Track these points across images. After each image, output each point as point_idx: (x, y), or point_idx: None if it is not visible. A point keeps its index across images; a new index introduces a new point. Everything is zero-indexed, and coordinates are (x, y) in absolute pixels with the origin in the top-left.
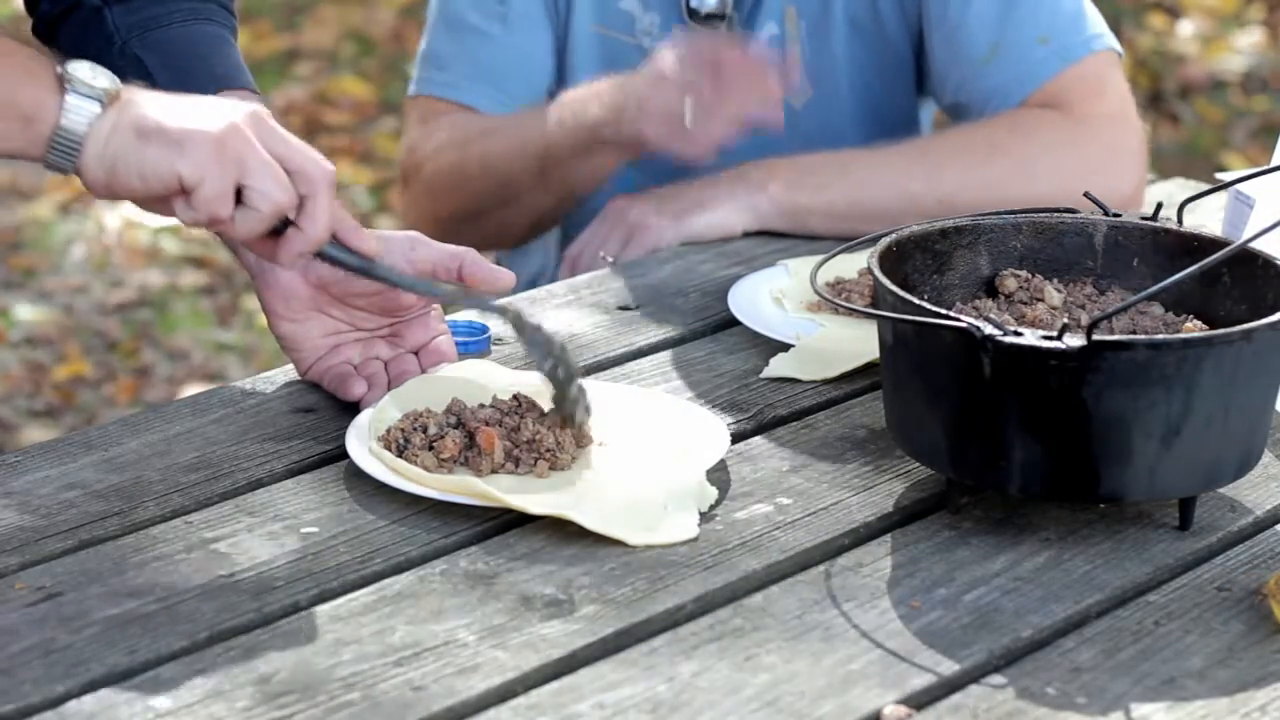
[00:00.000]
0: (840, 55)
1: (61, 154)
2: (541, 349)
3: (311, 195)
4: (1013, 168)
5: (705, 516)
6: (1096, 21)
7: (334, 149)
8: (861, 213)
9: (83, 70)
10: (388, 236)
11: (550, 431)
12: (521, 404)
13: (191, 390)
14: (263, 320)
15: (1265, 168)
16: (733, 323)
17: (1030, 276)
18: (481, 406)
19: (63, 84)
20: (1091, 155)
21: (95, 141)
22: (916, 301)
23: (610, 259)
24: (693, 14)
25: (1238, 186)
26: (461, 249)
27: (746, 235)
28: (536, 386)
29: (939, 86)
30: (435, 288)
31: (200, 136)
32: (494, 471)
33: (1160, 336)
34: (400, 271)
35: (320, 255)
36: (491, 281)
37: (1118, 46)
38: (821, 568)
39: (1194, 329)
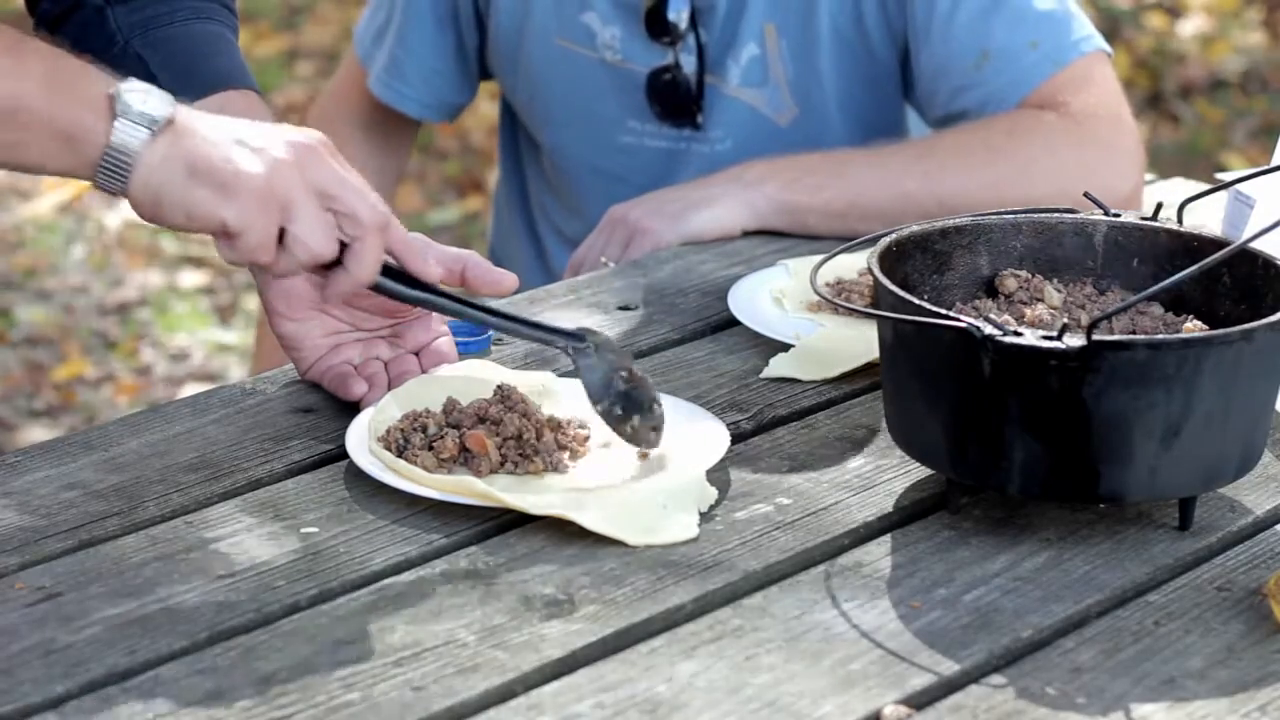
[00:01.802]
0: (826, 70)
1: (109, 178)
2: (599, 387)
3: (360, 238)
4: (1011, 169)
5: (705, 516)
6: (1084, 23)
7: None
8: (859, 212)
9: (135, 95)
10: None
11: (534, 426)
12: (507, 398)
13: (191, 390)
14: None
15: (1265, 168)
16: (733, 323)
17: (1030, 276)
18: (464, 408)
19: (113, 108)
20: (1089, 155)
21: (143, 169)
22: (916, 301)
23: (611, 263)
24: (653, 27)
25: (1238, 186)
26: (465, 252)
27: (746, 235)
28: (532, 385)
29: (928, 99)
30: (504, 324)
31: (249, 181)
32: (493, 471)
33: (1160, 336)
34: (468, 302)
35: (375, 288)
36: (494, 284)
37: (1107, 47)
38: (821, 568)
39: (1194, 329)
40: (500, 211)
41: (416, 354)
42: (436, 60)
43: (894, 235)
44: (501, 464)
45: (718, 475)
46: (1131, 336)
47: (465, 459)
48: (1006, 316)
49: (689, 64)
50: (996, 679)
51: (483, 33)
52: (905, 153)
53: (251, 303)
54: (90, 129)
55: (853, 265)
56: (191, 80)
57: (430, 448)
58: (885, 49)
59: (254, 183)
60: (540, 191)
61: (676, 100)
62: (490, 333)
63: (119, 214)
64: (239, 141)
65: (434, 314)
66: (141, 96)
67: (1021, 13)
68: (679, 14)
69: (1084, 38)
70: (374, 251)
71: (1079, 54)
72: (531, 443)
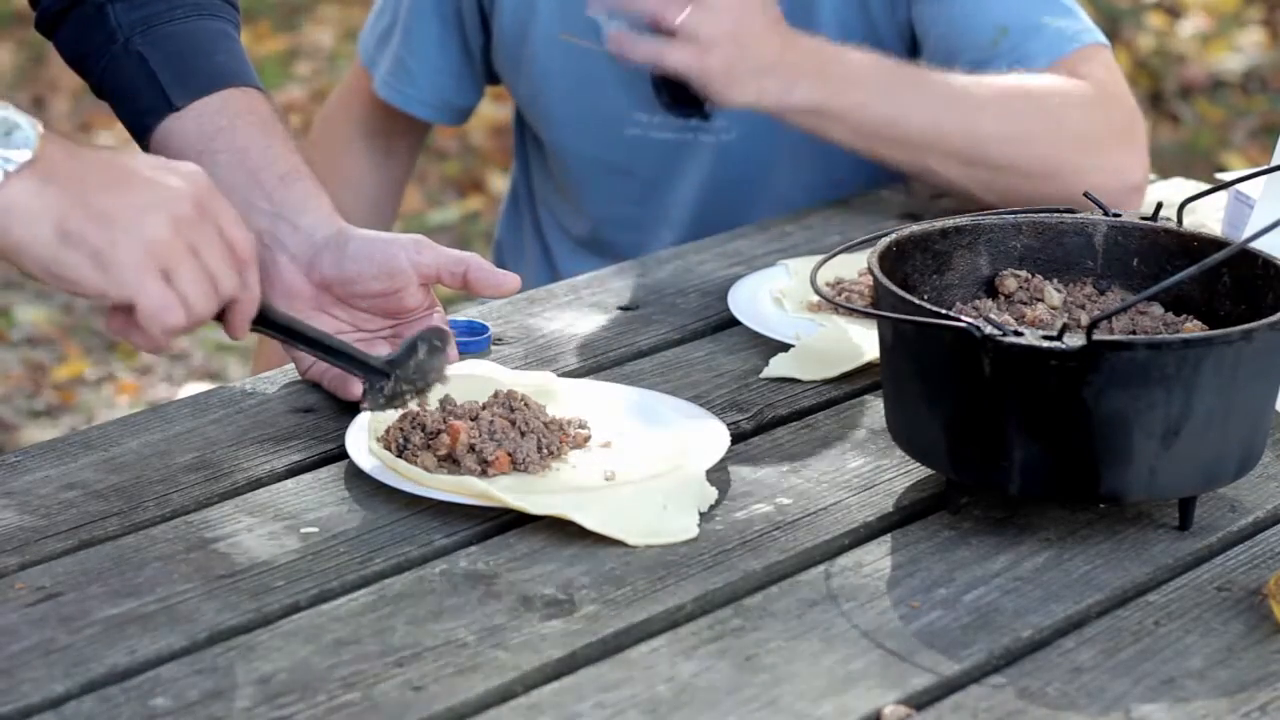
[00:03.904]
0: None
1: None
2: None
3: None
4: (1048, 125)
5: (705, 516)
6: (1085, 19)
7: None
8: (889, 136)
9: None
10: (392, 239)
11: (516, 427)
12: (499, 398)
13: (191, 390)
14: None
15: (1265, 168)
16: (733, 323)
17: (1030, 276)
18: (460, 405)
19: None
20: (1116, 125)
21: None
22: (916, 301)
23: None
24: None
25: (1238, 186)
26: (467, 254)
27: (746, 235)
28: (532, 385)
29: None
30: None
31: (124, 253)
32: (485, 470)
33: (1160, 336)
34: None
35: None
36: (497, 285)
37: (1107, 43)
38: (821, 568)
39: (1194, 329)
40: (509, 209)
41: None
42: (442, 61)
43: (894, 235)
44: (472, 449)
45: (718, 475)
46: (1131, 336)
47: (456, 457)
48: (1006, 316)
49: None
50: (996, 679)
51: (488, 33)
52: (948, 88)
53: None
54: None
55: (853, 265)
56: (193, 78)
57: (429, 446)
58: (892, 38)
59: (130, 254)
60: (546, 190)
61: (683, 90)
62: (490, 332)
63: None
64: (111, 200)
65: (435, 314)
66: (3, 128)
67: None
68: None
69: (1088, 29)
70: (243, 314)
71: (1094, 40)
72: (510, 436)
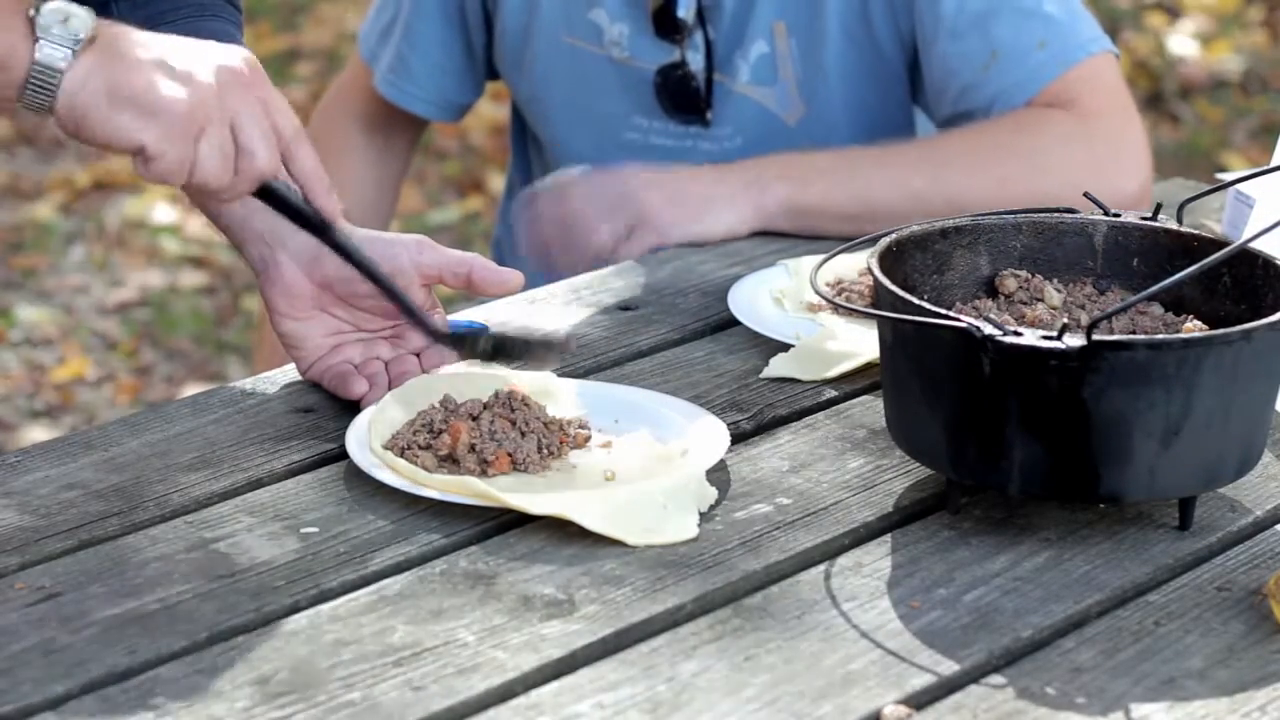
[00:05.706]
0: (832, 70)
1: (37, 96)
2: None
3: (244, 174)
4: (1019, 166)
5: (705, 516)
6: (1091, 24)
7: None
8: (868, 212)
9: (54, 15)
10: (395, 239)
11: (516, 427)
12: (500, 398)
13: (191, 390)
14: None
15: (1265, 168)
16: (733, 323)
17: (1030, 276)
18: (460, 405)
19: (34, 29)
20: (1097, 153)
21: (67, 91)
22: (916, 301)
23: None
24: (661, 25)
25: (1238, 186)
26: (470, 255)
27: (749, 235)
28: (532, 385)
29: (936, 98)
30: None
31: (169, 107)
32: (478, 464)
33: (1160, 336)
34: (360, 260)
35: (266, 195)
36: (501, 283)
37: (1114, 48)
38: (821, 568)
39: (1194, 329)
40: (505, 205)
41: (417, 354)
42: (444, 58)
43: (894, 235)
44: (472, 449)
45: (718, 475)
46: (1131, 336)
47: (456, 457)
48: (1006, 316)
49: (695, 61)
50: (996, 679)
51: (490, 31)
52: (913, 151)
53: (251, 303)
54: (12, 51)
55: (853, 265)
56: None
57: (429, 447)
58: (893, 50)
59: (175, 108)
60: None
61: (686, 96)
62: (491, 333)
63: (119, 214)
64: (161, 64)
65: (435, 315)
66: (61, 15)
67: (1029, 13)
68: (687, 11)
69: (1091, 39)
70: (246, 183)
71: (1086, 54)
72: (510, 437)
